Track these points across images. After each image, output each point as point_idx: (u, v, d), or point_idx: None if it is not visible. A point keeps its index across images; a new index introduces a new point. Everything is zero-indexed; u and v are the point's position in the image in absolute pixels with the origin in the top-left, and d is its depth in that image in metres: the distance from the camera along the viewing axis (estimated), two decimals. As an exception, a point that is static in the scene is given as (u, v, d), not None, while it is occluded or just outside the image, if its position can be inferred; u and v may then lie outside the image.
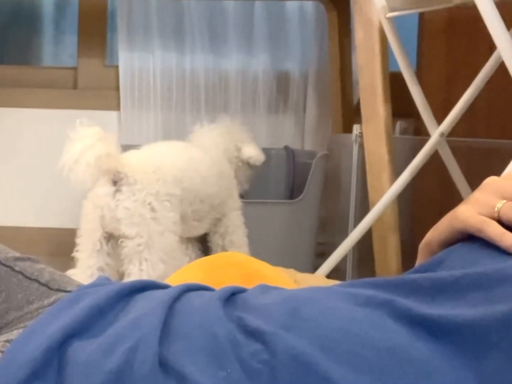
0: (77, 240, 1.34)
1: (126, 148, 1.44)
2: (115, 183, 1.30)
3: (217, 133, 1.59)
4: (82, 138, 1.26)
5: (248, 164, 1.62)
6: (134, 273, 1.28)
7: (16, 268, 0.63)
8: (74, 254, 1.33)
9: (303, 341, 0.47)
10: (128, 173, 1.30)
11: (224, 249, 1.54)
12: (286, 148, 1.82)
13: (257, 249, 1.60)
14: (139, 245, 1.28)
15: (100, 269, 1.31)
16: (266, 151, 1.72)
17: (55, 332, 0.51)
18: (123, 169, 1.30)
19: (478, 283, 0.48)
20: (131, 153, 1.38)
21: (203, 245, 1.57)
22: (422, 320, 0.47)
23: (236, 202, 1.55)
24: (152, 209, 1.30)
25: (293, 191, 1.89)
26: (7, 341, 0.55)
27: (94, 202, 1.31)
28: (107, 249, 1.31)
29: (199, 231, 1.52)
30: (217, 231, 1.53)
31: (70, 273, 1.28)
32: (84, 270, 1.30)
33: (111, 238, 1.32)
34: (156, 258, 1.28)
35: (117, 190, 1.29)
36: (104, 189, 1.30)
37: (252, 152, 1.60)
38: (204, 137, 1.59)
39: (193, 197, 1.41)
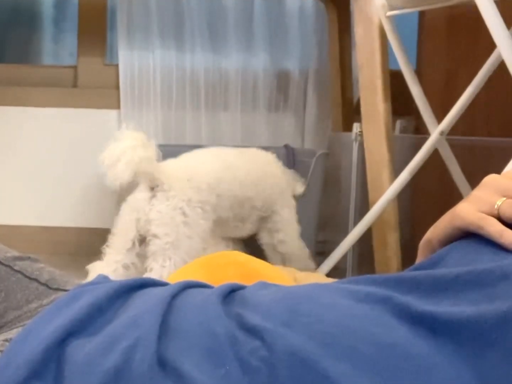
0: (110, 237, 1.40)
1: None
2: (152, 189, 1.37)
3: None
4: (126, 139, 1.32)
5: None
6: (156, 269, 1.33)
7: (16, 268, 0.63)
8: (104, 248, 1.39)
9: (302, 338, 0.47)
10: (164, 180, 1.37)
11: (273, 245, 1.58)
12: (286, 146, 1.83)
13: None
14: (166, 243, 1.34)
15: (125, 266, 1.36)
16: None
17: (54, 330, 0.51)
18: (160, 176, 1.37)
19: (479, 280, 0.48)
20: (169, 161, 1.45)
21: (254, 244, 1.60)
22: (422, 316, 0.47)
23: (287, 200, 1.59)
24: (184, 214, 1.36)
25: (293, 189, 1.89)
26: (6, 340, 0.55)
27: (132, 205, 1.39)
28: (138, 250, 1.37)
29: (243, 232, 1.56)
30: (265, 227, 1.58)
31: (95, 264, 1.36)
32: (110, 263, 1.36)
33: (144, 241, 1.38)
34: (180, 259, 1.33)
35: (153, 196, 1.37)
36: (141, 194, 1.38)
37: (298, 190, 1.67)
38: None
39: (232, 202, 1.47)
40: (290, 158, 1.92)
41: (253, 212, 1.53)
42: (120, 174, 1.30)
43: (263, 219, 1.57)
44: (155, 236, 1.34)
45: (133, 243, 1.37)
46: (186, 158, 1.50)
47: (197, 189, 1.39)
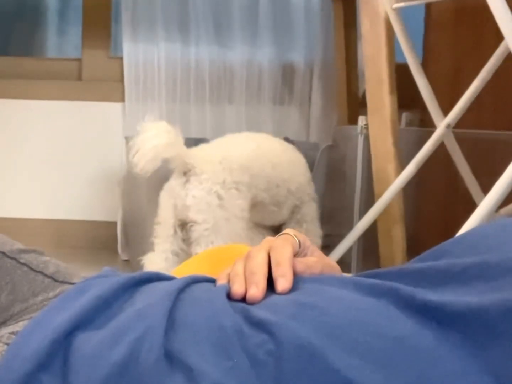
0: (155, 227, 1.41)
1: (129, 139, 1.45)
2: (185, 174, 1.39)
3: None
4: (150, 130, 1.34)
5: None
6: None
7: (22, 260, 0.63)
8: (152, 239, 1.41)
9: (309, 331, 0.47)
10: (195, 164, 1.38)
11: None
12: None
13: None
14: (206, 229, 1.36)
15: (174, 253, 1.39)
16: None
17: (61, 323, 0.51)
18: (191, 161, 1.38)
19: (485, 272, 0.48)
20: (200, 146, 1.47)
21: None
22: (428, 308, 0.47)
23: (312, 191, 1.60)
24: (219, 197, 1.37)
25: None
26: (13, 333, 0.55)
27: (169, 192, 1.41)
28: (182, 235, 1.39)
29: (279, 217, 1.56)
30: (294, 217, 1.58)
31: (148, 256, 1.38)
32: (160, 253, 1.38)
33: (185, 225, 1.40)
34: (222, 242, 1.35)
35: (187, 181, 1.38)
36: (176, 180, 1.39)
37: None
38: None
39: (267, 183, 1.47)
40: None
41: (289, 197, 1.53)
42: (147, 162, 1.32)
43: (295, 209, 1.57)
44: (194, 222, 1.36)
45: (175, 230, 1.39)
46: (217, 142, 1.51)
47: (229, 170, 1.40)
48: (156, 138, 1.33)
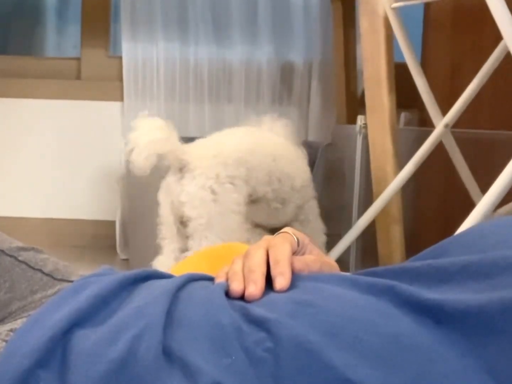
0: (159, 227, 1.40)
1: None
2: (180, 170, 1.38)
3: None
4: (144, 126, 1.34)
5: None
6: (195, 249, 1.34)
7: (20, 258, 0.63)
8: (158, 241, 1.40)
9: (307, 329, 0.47)
10: (189, 160, 1.37)
11: None
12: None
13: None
14: (200, 224, 1.35)
15: (183, 251, 1.37)
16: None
17: (59, 321, 0.51)
18: (185, 157, 1.37)
19: (484, 270, 0.48)
20: (196, 142, 1.45)
21: None
22: (426, 306, 0.47)
23: (313, 190, 1.57)
24: (213, 192, 1.36)
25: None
26: (11, 330, 0.55)
27: (165, 189, 1.40)
28: (185, 232, 1.38)
29: (281, 217, 1.52)
30: (298, 219, 1.55)
31: (157, 259, 1.37)
32: (169, 254, 1.38)
33: (184, 222, 1.39)
34: (216, 237, 1.34)
35: (182, 177, 1.37)
36: (171, 177, 1.38)
37: None
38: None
39: (267, 176, 1.44)
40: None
41: (294, 194, 1.50)
42: (143, 160, 1.31)
43: (299, 209, 1.54)
44: (189, 218, 1.36)
45: (177, 227, 1.38)
46: (214, 137, 1.49)
47: (223, 165, 1.38)
48: (150, 134, 1.32)
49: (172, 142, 1.35)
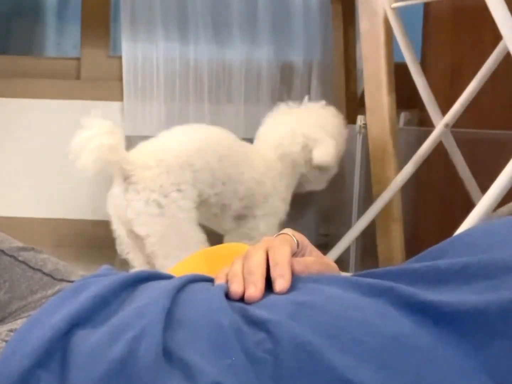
0: (116, 241, 1.36)
1: (128, 139, 1.44)
2: (125, 180, 1.33)
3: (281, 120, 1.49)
4: (91, 128, 1.29)
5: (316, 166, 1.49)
6: (161, 267, 1.30)
7: (20, 258, 0.63)
8: (124, 256, 1.36)
9: (307, 330, 0.47)
10: (132, 172, 1.32)
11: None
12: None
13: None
14: (153, 244, 1.31)
15: (150, 262, 1.33)
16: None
17: (59, 321, 0.51)
18: (128, 167, 1.32)
19: (483, 271, 0.48)
20: (137, 149, 1.38)
21: None
22: (426, 307, 0.47)
23: (272, 207, 1.43)
24: (159, 205, 1.31)
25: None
26: (11, 330, 0.55)
27: (112, 203, 1.36)
28: (144, 248, 1.34)
29: (220, 223, 1.45)
30: (237, 230, 1.44)
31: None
32: (139, 268, 1.34)
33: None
34: (177, 250, 1.30)
35: (125, 190, 1.32)
36: (116, 188, 1.34)
37: (319, 158, 1.46)
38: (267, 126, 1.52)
39: (212, 178, 1.37)
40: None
41: (234, 200, 1.39)
42: (86, 163, 1.27)
43: (239, 220, 1.43)
44: (140, 236, 1.31)
45: (132, 239, 1.34)
46: (160, 138, 1.41)
47: (166, 173, 1.32)
48: (100, 138, 1.27)
49: (118, 150, 1.29)
